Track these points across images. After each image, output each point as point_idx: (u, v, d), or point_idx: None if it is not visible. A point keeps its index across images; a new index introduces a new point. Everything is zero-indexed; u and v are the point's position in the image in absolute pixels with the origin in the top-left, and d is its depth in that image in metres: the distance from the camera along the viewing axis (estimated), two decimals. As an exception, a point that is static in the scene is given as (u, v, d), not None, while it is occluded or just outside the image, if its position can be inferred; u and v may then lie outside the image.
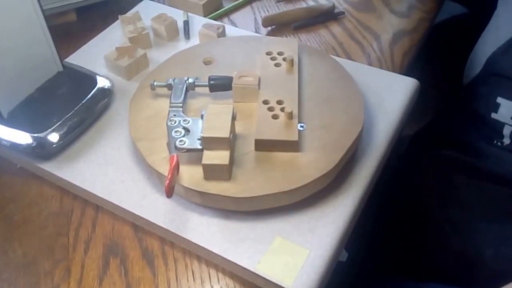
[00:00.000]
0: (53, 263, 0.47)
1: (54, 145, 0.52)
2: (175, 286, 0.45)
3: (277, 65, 0.56)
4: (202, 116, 0.49)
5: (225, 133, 0.45)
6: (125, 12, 0.71)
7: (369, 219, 0.58)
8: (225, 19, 0.76)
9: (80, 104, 0.55)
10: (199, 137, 0.47)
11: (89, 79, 0.59)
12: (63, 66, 0.60)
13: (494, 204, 0.64)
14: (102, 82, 0.59)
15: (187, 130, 0.49)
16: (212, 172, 0.46)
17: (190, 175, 0.47)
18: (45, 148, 0.52)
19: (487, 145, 0.65)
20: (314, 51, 0.61)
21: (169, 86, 0.54)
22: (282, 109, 0.50)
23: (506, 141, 0.63)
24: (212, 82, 0.54)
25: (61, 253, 0.48)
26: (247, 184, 0.46)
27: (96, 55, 0.64)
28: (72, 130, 0.54)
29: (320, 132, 0.50)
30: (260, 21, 0.74)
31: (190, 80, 0.54)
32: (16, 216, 0.51)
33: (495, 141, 0.64)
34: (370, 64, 0.66)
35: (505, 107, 0.62)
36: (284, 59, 0.57)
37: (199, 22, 0.70)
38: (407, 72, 0.64)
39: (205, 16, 0.74)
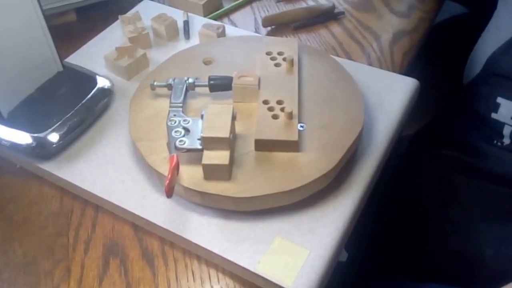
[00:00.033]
0: (53, 263, 0.47)
1: (54, 145, 0.52)
2: (175, 286, 0.45)
3: (277, 65, 0.56)
4: (202, 116, 0.49)
5: (225, 133, 0.45)
6: (125, 12, 0.71)
7: (369, 219, 0.58)
8: (225, 19, 0.76)
9: (80, 104, 0.55)
10: (199, 137, 0.47)
11: (89, 79, 0.59)
12: (63, 66, 0.60)
13: (494, 204, 0.64)
14: (102, 82, 0.59)
15: (187, 130, 0.49)
16: (212, 172, 0.46)
17: (190, 175, 0.47)
18: (45, 148, 0.52)
19: (487, 145, 0.65)
20: (314, 51, 0.61)
21: (169, 86, 0.54)
22: (282, 109, 0.50)
23: (506, 141, 0.63)
24: (212, 82, 0.54)
25: (61, 253, 0.48)
26: (247, 184, 0.46)
27: (96, 55, 0.64)
28: (72, 130, 0.54)
29: (320, 132, 0.50)
30: (260, 21, 0.74)
31: (190, 80, 0.54)
32: (16, 216, 0.51)
33: (495, 141, 0.64)
34: (370, 64, 0.66)
35: (505, 107, 0.62)
36: (284, 59, 0.57)
37: (199, 22, 0.70)
38: (407, 72, 0.64)
39: (205, 16, 0.74)
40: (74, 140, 0.55)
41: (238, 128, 0.50)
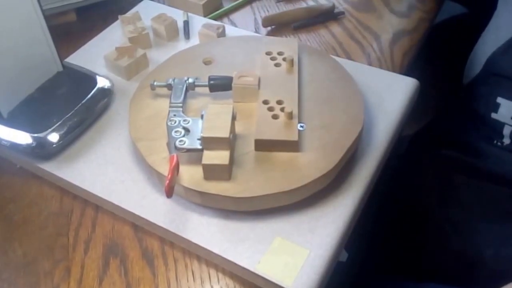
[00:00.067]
0: (53, 263, 0.47)
1: (54, 145, 0.52)
2: (175, 286, 0.45)
3: (277, 65, 0.56)
4: (202, 116, 0.49)
5: (225, 133, 0.45)
6: (125, 12, 0.71)
7: (369, 219, 0.58)
8: (225, 19, 0.76)
9: (80, 104, 0.55)
10: (199, 137, 0.47)
11: (89, 79, 0.59)
12: (63, 66, 0.60)
13: (494, 204, 0.64)
14: (102, 82, 0.59)
15: (187, 130, 0.49)
16: (212, 172, 0.46)
17: (190, 175, 0.47)
18: (45, 148, 0.52)
19: (487, 145, 0.65)
20: (314, 51, 0.61)
21: (169, 86, 0.54)
22: (282, 109, 0.50)
23: (506, 141, 0.63)
24: (212, 82, 0.54)
25: (61, 253, 0.48)
26: (247, 184, 0.46)
27: (96, 55, 0.64)
28: (72, 130, 0.54)
29: (320, 132, 0.50)
30: (260, 21, 0.74)
31: (190, 80, 0.54)
32: (16, 216, 0.51)
33: (495, 141, 0.64)
34: (370, 64, 0.66)
35: (505, 107, 0.62)
36: (284, 59, 0.57)
37: (199, 22, 0.70)
38: (407, 72, 0.64)
39: (205, 16, 0.74)
40: (74, 140, 0.55)
41: (238, 128, 0.50)
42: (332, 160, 0.47)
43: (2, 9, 0.51)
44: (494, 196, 0.63)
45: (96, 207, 0.51)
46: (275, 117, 0.50)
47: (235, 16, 0.77)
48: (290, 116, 0.49)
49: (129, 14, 0.70)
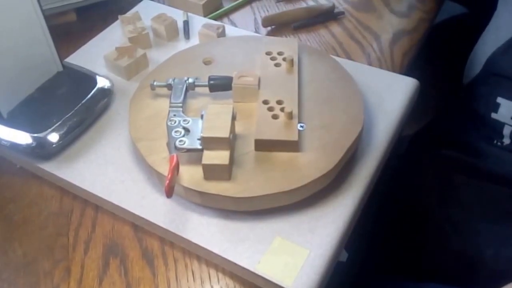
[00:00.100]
0: (53, 263, 0.47)
1: (54, 145, 0.52)
2: (175, 286, 0.45)
3: (277, 65, 0.56)
4: (202, 116, 0.49)
5: (225, 133, 0.45)
6: (125, 12, 0.71)
7: (369, 219, 0.58)
8: (225, 19, 0.76)
9: (80, 104, 0.55)
10: (199, 137, 0.47)
11: (89, 79, 0.59)
12: (63, 66, 0.60)
13: (494, 204, 0.64)
14: (102, 82, 0.59)
15: (187, 130, 0.49)
16: (212, 172, 0.46)
17: (190, 175, 0.47)
18: (45, 148, 0.52)
19: (487, 145, 0.65)
20: (314, 51, 0.61)
21: (169, 86, 0.54)
22: (282, 109, 0.50)
23: (506, 141, 0.63)
24: (212, 82, 0.54)
25: (61, 253, 0.48)
26: (247, 184, 0.46)
27: (96, 55, 0.64)
28: (72, 130, 0.54)
29: (320, 132, 0.50)
30: (260, 21, 0.74)
31: (190, 80, 0.54)
32: (16, 216, 0.51)
33: (495, 141, 0.64)
34: (370, 64, 0.66)
35: (505, 107, 0.62)
36: (284, 59, 0.57)
37: (199, 22, 0.70)
38: (407, 72, 0.64)
39: (205, 16, 0.74)
40: (74, 140, 0.55)
41: (238, 128, 0.50)
42: (332, 160, 0.47)
43: (2, 9, 0.51)
44: (494, 196, 0.63)
45: (96, 207, 0.51)
46: (275, 117, 0.50)
47: (235, 16, 0.77)
48: (290, 116, 0.49)
49: (129, 14, 0.70)
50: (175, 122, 0.50)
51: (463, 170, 0.66)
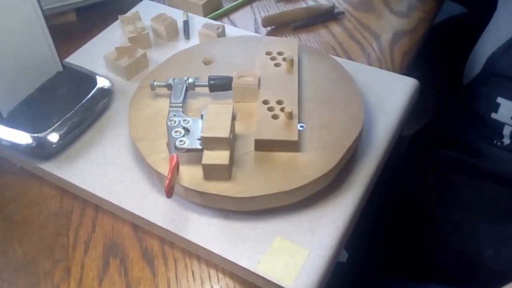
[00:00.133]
0: (53, 263, 0.47)
1: (54, 145, 0.52)
2: (175, 286, 0.45)
3: (277, 65, 0.56)
4: (202, 116, 0.49)
5: (225, 133, 0.45)
6: (125, 12, 0.71)
7: (369, 219, 0.57)
8: (225, 19, 0.76)
9: (80, 104, 0.55)
10: (199, 137, 0.47)
11: (89, 79, 0.59)
12: (63, 66, 0.60)
13: (494, 204, 0.64)
14: (102, 82, 0.59)
15: (187, 130, 0.49)
16: (212, 172, 0.46)
17: (190, 175, 0.47)
18: (45, 148, 0.52)
19: (487, 145, 0.65)
20: (314, 51, 0.61)
21: (169, 86, 0.54)
22: (282, 109, 0.50)
23: (506, 141, 0.63)
24: (212, 82, 0.54)
25: (61, 253, 0.48)
26: (247, 184, 0.46)
27: (96, 55, 0.64)
28: (72, 130, 0.54)
29: (320, 132, 0.50)
30: (260, 21, 0.74)
31: (190, 80, 0.54)
32: (16, 216, 0.51)
33: (495, 141, 0.64)
34: (370, 64, 0.66)
35: (505, 107, 0.62)
36: (284, 59, 0.57)
37: (199, 22, 0.70)
38: (407, 72, 0.64)
39: (205, 16, 0.74)
40: (74, 140, 0.55)
41: (238, 128, 0.50)
42: (332, 160, 0.47)
43: (2, 9, 0.51)
44: (494, 196, 0.63)
45: (96, 207, 0.51)
46: (275, 117, 0.50)
47: (235, 16, 0.77)
48: (290, 116, 0.49)
49: (129, 14, 0.70)
50: (175, 122, 0.50)
51: (463, 170, 0.66)
